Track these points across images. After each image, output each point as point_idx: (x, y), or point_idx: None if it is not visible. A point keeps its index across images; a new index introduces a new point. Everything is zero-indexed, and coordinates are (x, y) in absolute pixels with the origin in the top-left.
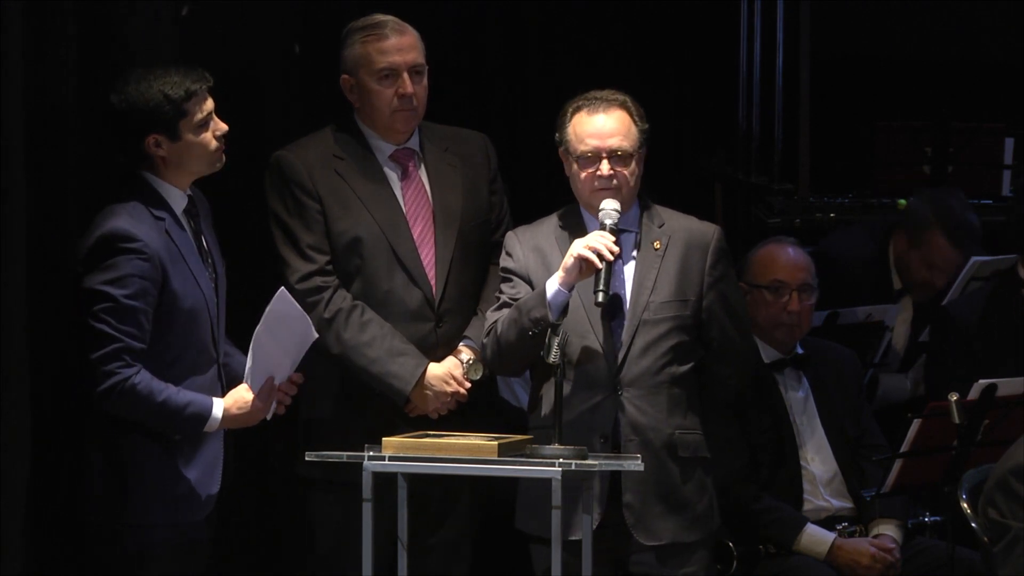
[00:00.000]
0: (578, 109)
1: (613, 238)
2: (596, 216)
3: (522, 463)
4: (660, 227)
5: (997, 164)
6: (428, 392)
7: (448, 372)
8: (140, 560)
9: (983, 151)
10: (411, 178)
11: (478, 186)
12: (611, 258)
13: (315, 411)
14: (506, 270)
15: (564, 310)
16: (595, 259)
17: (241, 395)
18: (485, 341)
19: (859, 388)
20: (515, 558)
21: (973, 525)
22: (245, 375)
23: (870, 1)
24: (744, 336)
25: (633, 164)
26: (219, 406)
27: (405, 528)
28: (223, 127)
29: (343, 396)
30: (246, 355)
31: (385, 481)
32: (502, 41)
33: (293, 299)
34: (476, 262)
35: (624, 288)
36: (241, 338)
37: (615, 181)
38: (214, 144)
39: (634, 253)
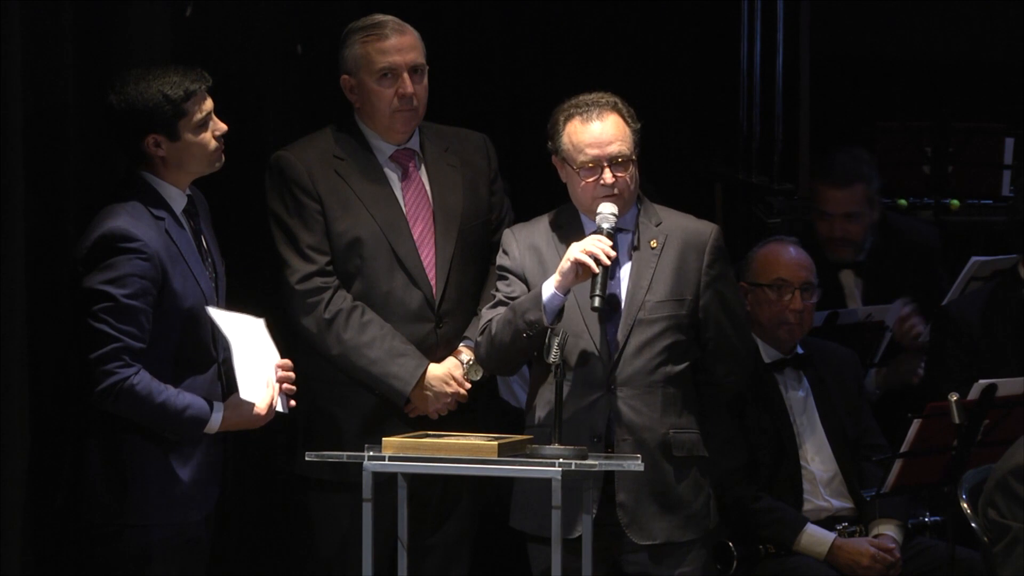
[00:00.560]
0: (571, 117)
1: (610, 242)
2: (594, 219)
3: (522, 463)
4: (657, 226)
5: (997, 164)
6: (428, 393)
7: (448, 373)
8: (140, 560)
9: (983, 151)
10: (411, 178)
11: (478, 186)
12: (608, 263)
13: (315, 411)
14: (502, 268)
15: (559, 314)
16: (592, 264)
17: (240, 402)
18: (479, 339)
19: (859, 388)
20: (514, 558)
21: (973, 525)
22: (240, 391)
23: (870, 1)
24: (742, 335)
25: (632, 167)
26: (218, 412)
27: (405, 528)
28: (222, 127)
29: (343, 396)
30: None
31: (385, 481)
32: (502, 41)
33: (219, 309)
34: (476, 262)
35: (620, 287)
36: None
37: (616, 188)
38: (213, 144)
39: (631, 252)
